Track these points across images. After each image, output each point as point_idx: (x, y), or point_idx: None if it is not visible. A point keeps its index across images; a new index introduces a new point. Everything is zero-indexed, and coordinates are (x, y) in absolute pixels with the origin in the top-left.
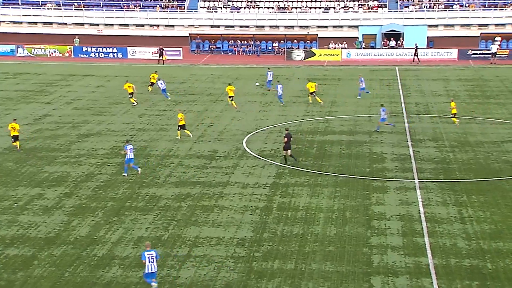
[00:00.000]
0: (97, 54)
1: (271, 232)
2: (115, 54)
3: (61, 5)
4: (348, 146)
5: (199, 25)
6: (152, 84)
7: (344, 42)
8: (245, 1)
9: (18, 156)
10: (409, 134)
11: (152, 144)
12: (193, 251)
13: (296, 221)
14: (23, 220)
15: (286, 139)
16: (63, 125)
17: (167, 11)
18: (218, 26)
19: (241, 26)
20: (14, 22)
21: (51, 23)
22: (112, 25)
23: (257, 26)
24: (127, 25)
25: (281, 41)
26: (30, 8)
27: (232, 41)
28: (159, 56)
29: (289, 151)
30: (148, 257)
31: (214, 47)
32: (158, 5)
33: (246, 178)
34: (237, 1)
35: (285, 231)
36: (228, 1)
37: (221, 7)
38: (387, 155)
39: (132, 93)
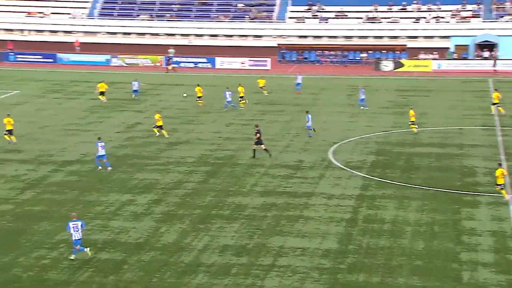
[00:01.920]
0: (187, 64)
1: (356, 244)
2: (204, 64)
3: (154, 17)
4: (437, 158)
5: (287, 36)
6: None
7: (435, 53)
8: (334, 12)
9: (111, 162)
10: (502, 147)
11: (239, 153)
12: (278, 261)
13: (383, 233)
14: (114, 225)
15: (258, 135)
16: (153, 133)
17: (256, 21)
18: (306, 37)
19: (329, 37)
20: (110, 33)
21: (143, 34)
22: (202, 35)
23: (345, 37)
24: (216, 35)
25: (369, 52)
26: (125, 19)
27: (319, 51)
28: (166, 65)
29: (262, 145)
30: (73, 227)
31: (302, 57)
32: (247, 16)
33: (331, 189)
34: (325, 12)
35: (371, 244)
36: (317, 11)
37: (309, 18)
38: (478, 169)
39: (103, 92)
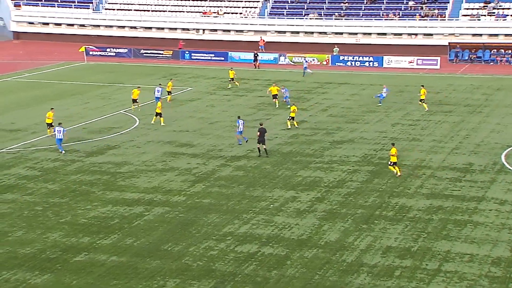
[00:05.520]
0: (353, 62)
1: None
2: (371, 63)
3: (322, 15)
4: None
5: (459, 34)
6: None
7: None
8: None
9: (276, 159)
10: None
11: (404, 154)
12: (444, 266)
13: None
14: (278, 220)
15: (259, 133)
16: (317, 131)
17: (426, 19)
18: (481, 35)
19: (506, 35)
20: (279, 32)
21: (312, 33)
22: (370, 34)
23: None
24: (384, 34)
25: None
26: (294, 18)
27: (495, 50)
28: (254, 61)
29: (263, 145)
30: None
31: (475, 56)
32: (418, 14)
33: (504, 195)
34: (503, 9)
35: None
36: (494, 8)
37: (485, 15)
38: None
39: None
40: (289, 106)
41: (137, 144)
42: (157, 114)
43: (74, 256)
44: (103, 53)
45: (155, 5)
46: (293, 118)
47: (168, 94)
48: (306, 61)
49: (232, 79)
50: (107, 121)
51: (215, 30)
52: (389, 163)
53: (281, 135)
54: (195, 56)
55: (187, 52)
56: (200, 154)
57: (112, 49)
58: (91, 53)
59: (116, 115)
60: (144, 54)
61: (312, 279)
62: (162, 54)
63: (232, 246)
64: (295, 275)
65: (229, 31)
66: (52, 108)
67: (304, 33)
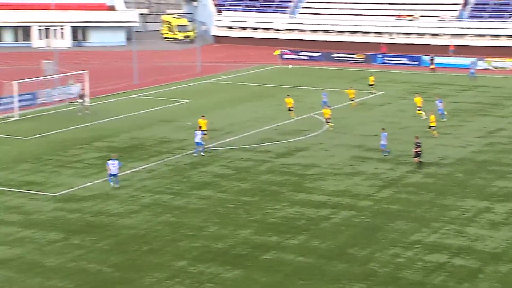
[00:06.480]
0: None
1: None
2: None
3: None
4: None
5: None
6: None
7: None
8: None
9: (469, 167)
10: None
11: None
12: None
13: None
14: (470, 231)
15: (417, 147)
16: None
17: None
18: None
19: None
20: (477, 35)
21: None
22: None
23: None
24: None
25: None
26: (495, 21)
27: None
28: (430, 65)
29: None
30: (111, 163)
31: None
32: None
33: None
34: None
35: None
36: None
37: None
38: None
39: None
40: (444, 120)
41: (325, 147)
42: (326, 120)
43: (263, 254)
44: (296, 57)
45: (350, 9)
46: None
47: (351, 100)
48: (474, 65)
49: (372, 85)
50: (297, 123)
51: (409, 33)
52: None
53: (475, 142)
54: (387, 60)
55: (380, 55)
56: (389, 159)
57: (305, 52)
58: (284, 56)
59: (306, 118)
60: (336, 58)
61: None
62: (354, 58)
63: (420, 255)
64: None
65: (423, 34)
66: (202, 116)
67: (506, 37)
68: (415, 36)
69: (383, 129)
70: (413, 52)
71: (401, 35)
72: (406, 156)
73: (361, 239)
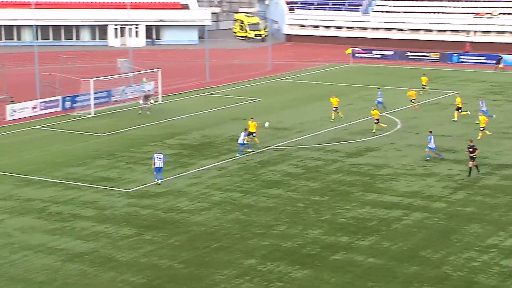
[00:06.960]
0: None
1: None
2: None
3: None
4: None
5: None
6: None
7: None
8: None
9: None
10: None
11: None
12: None
13: None
14: None
15: (473, 151)
16: None
17: None
18: None
19: None
20: None
21: None
22: None
23: None
24: None
25: None
26: None
27: None
28: (496, 64)
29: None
30: (157, 157)
31: None
32: None
33: None
34: None
35: None
36: None
37: None
38: None
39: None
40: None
41: (397, 147)
42: (377, 120)
43: (333, 254)
44: (368, 55)
45: (425, 6)
46: (483, 128)
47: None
48: None
49: (424, 85)
50: (368, 123)
51: (488, 31)
52: None
53: None
54: (463, 58)
55: (455, 54)
56: (463, 160)
57: (378, 51)
58: (356, 55)
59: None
60: (410, 57)
61: None
62: (428, 56)
63: (497, 259)
64: None
65: (503, 32)
66: (252, 118)
67: None
68: (494, 34)
69: (430, 132)
70: (493, 51)
71: (479, 33)
72: (483, 157)
73: (434, 241)
